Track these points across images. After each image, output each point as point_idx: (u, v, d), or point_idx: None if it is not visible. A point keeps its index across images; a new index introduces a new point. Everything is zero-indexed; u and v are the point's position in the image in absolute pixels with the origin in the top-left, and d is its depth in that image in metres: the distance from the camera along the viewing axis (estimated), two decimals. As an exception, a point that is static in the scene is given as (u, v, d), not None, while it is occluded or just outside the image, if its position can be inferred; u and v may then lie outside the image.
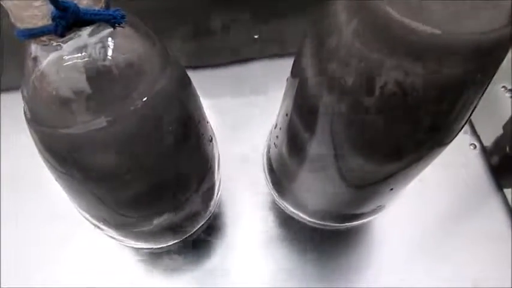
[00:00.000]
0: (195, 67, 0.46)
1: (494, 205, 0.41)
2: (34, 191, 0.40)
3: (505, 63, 0.21)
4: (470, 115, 0.24)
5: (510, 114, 0.45)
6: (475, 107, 0.23)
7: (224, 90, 0.46)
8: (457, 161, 0.43)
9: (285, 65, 0.28)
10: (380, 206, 0.34)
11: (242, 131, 0.44)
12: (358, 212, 0.35)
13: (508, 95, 0.47)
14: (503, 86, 0.47)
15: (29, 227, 0.39)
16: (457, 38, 0.17)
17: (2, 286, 0.36)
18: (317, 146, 0.26)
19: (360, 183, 0.29)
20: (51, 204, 0.39)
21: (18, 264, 0.38)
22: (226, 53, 0.48)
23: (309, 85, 0.24)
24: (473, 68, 0.19)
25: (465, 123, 0.24)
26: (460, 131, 0.25)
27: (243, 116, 0.45)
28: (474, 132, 0.45)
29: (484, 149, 0.44)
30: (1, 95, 0.45)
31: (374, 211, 0.35)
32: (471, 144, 0.44)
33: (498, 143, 0.45)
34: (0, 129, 0.44)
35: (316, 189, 0.32)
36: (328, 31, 0.21)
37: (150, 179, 0.25)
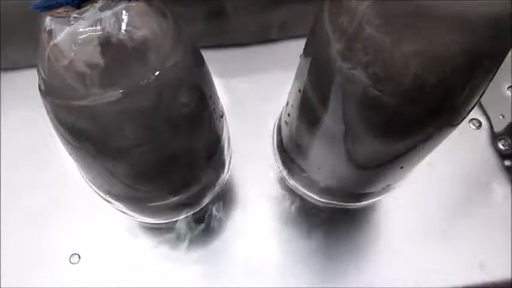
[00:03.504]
0: (208, 46, 0.46)
1: (502, 190, 0.41)
2: (35, 171, 0.41)
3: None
4: (480, 97, 0.24)
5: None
6: (485, 89, 0.23)
7: (235, 70, 0.46)
8: (466, 146, 0.43)
9: (297, 46, 0.28)
10: (389, 185, 0.34)
11: (253, 110, 0.44)
12: (368, 191, 0.35)
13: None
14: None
15: (30, 210, 0.40)
16: (469, 12, 0.17)
17: (2, 286, 0.37)
18: (328, 122, 0.27)
19: (371, 161, 0.29)
20: (53, 186, 0.40)
21: (18, 262, 0.38)
22: (239, 32, 0.48)
23: (322, 62, 0.24)
24: (484, 46, 0.19)
25: (475, 105, 0.24)
26: (470, 112, 0.25)
27: (254, 95, 0.45)
28: (485, 115, 0.45)
29: (493, 133, 0.44)
30: (1, 73, 0.45)
31: (384, 190, 0.35)
32: (478, 127, 0.44)
33: (508, 128, 0.45)
34: (0, 108, 0.44)
35: (327, 167, 0.33)
36: (341, 9, 0.22)
37: (161, 152, 0.25)
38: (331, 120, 0.26)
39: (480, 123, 0.44)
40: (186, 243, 0.39)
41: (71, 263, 0.38)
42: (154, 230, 0.39)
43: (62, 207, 0.40)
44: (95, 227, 0.39)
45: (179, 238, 0.38)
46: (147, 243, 0.39)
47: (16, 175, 0.41)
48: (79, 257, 0.38)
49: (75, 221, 0.39)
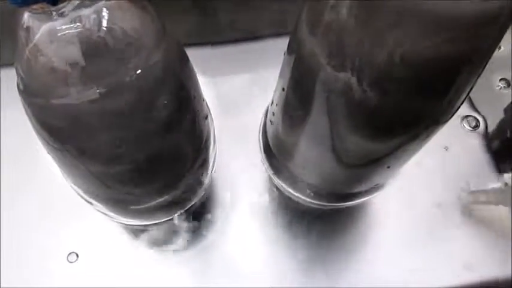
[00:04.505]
0: (194, 44, 0.45)
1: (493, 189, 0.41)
2: (35, 167, 0.40)
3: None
4: (468, 94, 0.24)
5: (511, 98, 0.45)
6: (473, 86, 0.23)
7: (222, 68, 0.46)
8: (457, 145, 0.43)
9: (283, 44, 0.28)
10: (377, 184, 0.34)
11: (239, 109, 0.44)
12: (355, 190, 0.35)
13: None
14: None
15: (29, 208, 0.39)
16: (455, 6, 0.17)
17: (2, 286, 0.36)
18: (313, 121, 0.26)
19: (356, 160, 0.29)
20: (52, 183, 0.39)
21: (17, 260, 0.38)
22: (226, 30, 0.48)
23: (305, 60, 0.24)
24: (471, 42, 0.19)
25: (462, 103, 0.24)
26: (457, 110, 0.25)
27: (240, 93, 0.44)
28: (476, 115, 0.44)
29: (485, 132, 0.44)
30: (1, 70, 0.45)
31: (371, 190, 0.35)
32: (472, 126, 0.44)
33: (499, 126, 0.45)
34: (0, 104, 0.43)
35: (313, 166, 0.32)
36: (320, 7, 0.21)
37: (142, 152, 0.25)
38: (314, 119, 0.26)
39: (471, 122, 0.44)
40: (173, 243, 0.38)
41: (69, 261, 0.37)
42: (145, 230, 0.39)
43: (60, 206, 0.39)
44: (93, 225, 0.38)
45: (166, 239, 0.38)
46: (142, 243, 0.38)
47: (16, 171, 0.41)
48: (77, 256, 0.38)
49: (73, 220, 0.39)
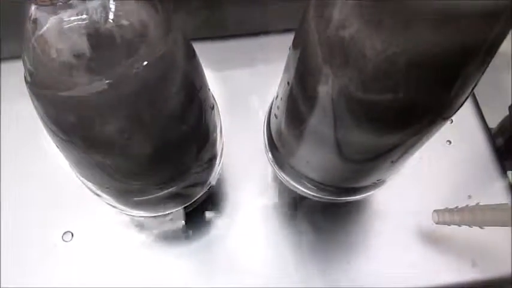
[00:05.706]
0: (201, 38, 0.46)
1: (497, 187, 0.41)
2: (32, 161, 0.41)
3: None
4: (472, 89, 0.24)
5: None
6: (477, 81, 0.23)
7: (228, 62, 0.46)
8: (461, 142, 0.43)
9: (291, 38, 0.28)
10: (380, 179, 0.34)
11: (246, 103, 0.44)
12: (359, 185, 0.35)
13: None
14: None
15: (25, 189, 0.40)
16: (459, 4, 0.17)
17: (2, 286, 0.37)
18: (316, 116, 0.26)
19: (360, 155, 0.29)
20: (52, 174, 0.40)
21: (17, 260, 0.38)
22: (232, 24, 0.48)
23: (309, 55, 0.24)
24: (475, 36, 0.19)
25: (466, 98, 0.24)
26: (462, 105, 0.25)
27: (246, 87, 0.45)
28: (479, 112, 0.44)
29: (488, 130, 0.44)
30: (1, 63, 0.45)
31: (374, 185, 0.35)
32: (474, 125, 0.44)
33: (503, 124, 0.45)
34: (0, 97, 0.44)
35: (315, 160, 0.32)
36: (325, 2, 0.21)
37: (149, 144, 0.25)
38: (317, 114, 0.26)
39: (474, 118, 0.44)
40: (176, 236, 0.39)
41: (64, 240, 0.38)
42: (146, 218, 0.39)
43: (55, 186, 0.40)
44: (88, 204, 0.39)
45: (170, 230, 0.38)
46: (139, 228, 0.39)
47: (16, 161, 0.41)
48: (72, 235, 0.38)
49: (69, 199, 0.39)
